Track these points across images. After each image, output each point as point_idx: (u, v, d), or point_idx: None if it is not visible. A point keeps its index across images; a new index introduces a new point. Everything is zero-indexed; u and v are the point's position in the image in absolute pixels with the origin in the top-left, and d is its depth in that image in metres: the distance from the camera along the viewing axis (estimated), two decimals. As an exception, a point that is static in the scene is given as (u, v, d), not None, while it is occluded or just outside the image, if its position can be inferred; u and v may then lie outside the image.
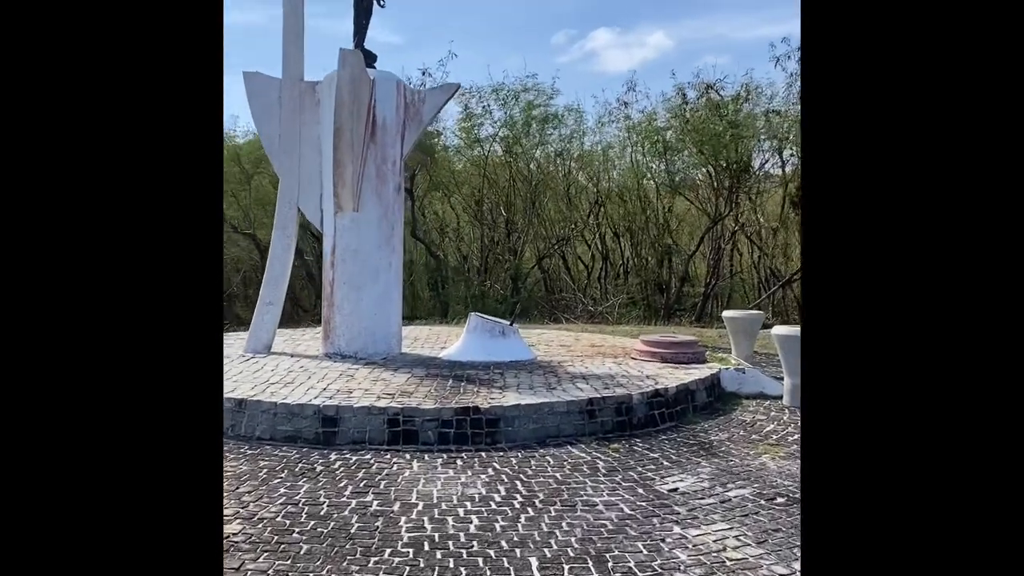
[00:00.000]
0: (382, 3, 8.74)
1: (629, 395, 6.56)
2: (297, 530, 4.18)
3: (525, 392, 6.58)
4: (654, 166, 22.01)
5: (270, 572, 3.65)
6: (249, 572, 3.64)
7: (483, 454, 5.72)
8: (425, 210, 23.69)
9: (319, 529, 4.20)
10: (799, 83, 15.54)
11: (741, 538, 4.13)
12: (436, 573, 3.65)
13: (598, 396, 6.43)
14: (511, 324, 8.68)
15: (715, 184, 20.80)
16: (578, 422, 6.26)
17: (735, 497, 4.81)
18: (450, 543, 4.01)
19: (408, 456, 5.64)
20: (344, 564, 3.75)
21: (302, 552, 3.89)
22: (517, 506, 4.58)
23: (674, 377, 7.39)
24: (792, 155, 19.77)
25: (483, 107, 21.49)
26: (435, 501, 4.65)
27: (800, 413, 5.53)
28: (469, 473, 5.23)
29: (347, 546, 3.97)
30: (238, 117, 34.65)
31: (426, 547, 3.96)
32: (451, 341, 9.39)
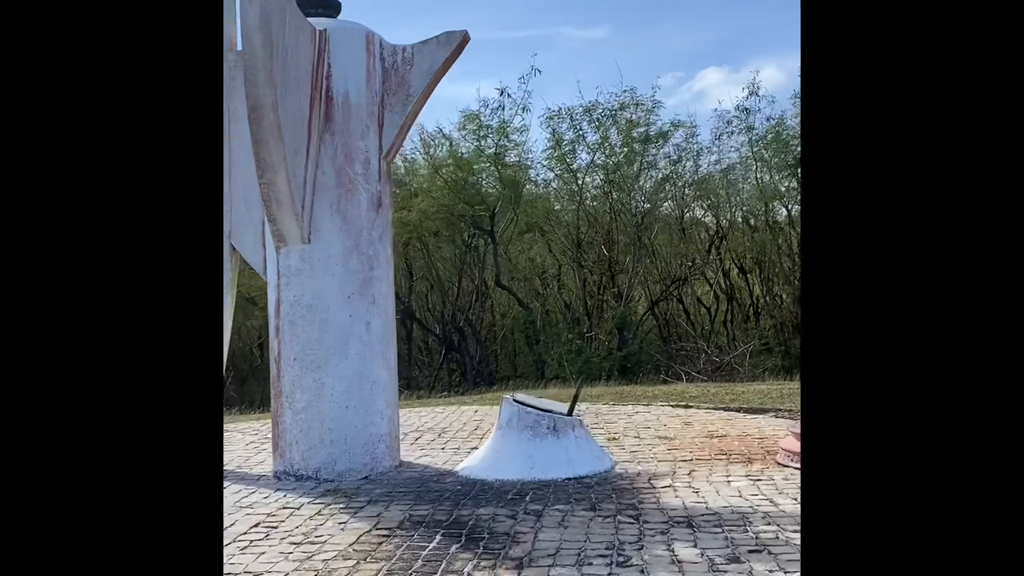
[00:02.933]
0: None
1: (781, 583, 3.10)
2: None
3: None
4: (785, 185, 18.26)
5: None
6: None
7: None
8: (519, 256, 20.67)
9: None
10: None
11: None
12: None
13: (713, 595, 3.00)
14: (570, 414, 5.32)
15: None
16: (670, 659, 2.85)
17: None
18: None
19: None
20: None
21: None
22: None
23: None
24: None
25: (574, 130, 18.36)
26: None
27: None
28: None
29: None
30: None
31: None
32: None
